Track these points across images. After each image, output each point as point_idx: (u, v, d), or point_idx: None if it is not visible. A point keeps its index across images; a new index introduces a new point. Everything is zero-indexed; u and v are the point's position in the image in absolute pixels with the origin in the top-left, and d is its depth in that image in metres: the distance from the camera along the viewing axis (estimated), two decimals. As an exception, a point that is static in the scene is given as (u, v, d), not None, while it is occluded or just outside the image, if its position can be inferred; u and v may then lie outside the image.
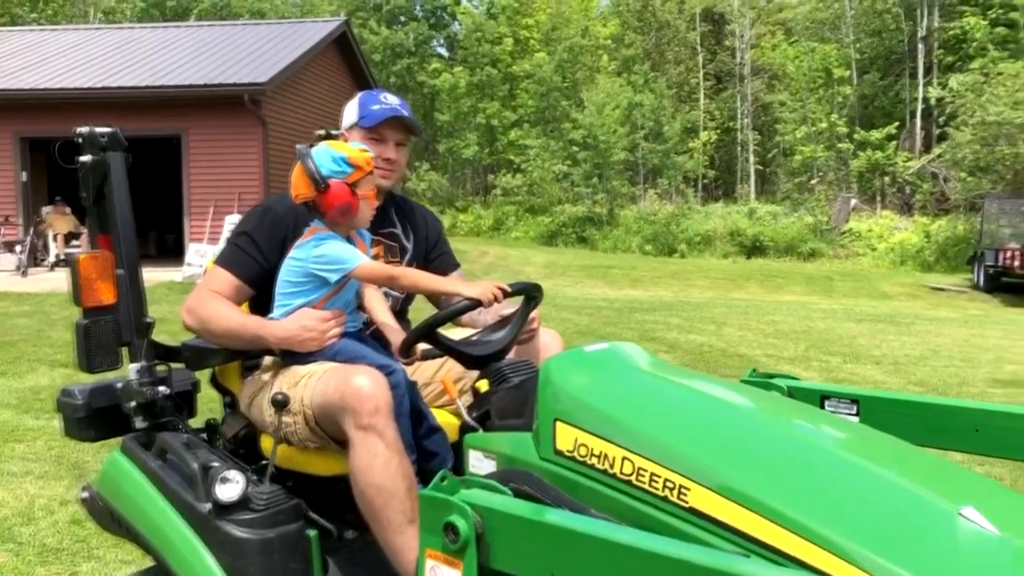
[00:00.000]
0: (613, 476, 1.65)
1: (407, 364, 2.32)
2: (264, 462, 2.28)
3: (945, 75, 28.58)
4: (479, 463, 1.93)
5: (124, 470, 2.41)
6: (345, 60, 21.40)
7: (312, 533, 2.16)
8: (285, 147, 16.97)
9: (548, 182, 28.67)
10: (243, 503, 2.10)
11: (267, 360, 2.44)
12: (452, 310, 2.20)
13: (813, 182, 28.05)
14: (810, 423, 1.83)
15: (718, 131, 34.38)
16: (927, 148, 28.88)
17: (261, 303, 2.43)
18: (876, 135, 28.08)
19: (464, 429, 2.09)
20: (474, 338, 2.33)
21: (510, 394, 2.07)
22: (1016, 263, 15.64)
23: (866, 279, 19.83)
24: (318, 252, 2.25)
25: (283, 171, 18.75)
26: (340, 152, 2.26)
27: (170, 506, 2.24)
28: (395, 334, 2.38)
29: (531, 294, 2.30)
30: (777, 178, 32.80)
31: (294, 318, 2.29)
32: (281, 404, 2.13)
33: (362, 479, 2.04)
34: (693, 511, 1.52)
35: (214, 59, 18.32)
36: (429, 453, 2.23)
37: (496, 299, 2.18)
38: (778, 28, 34.99)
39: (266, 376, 2.39)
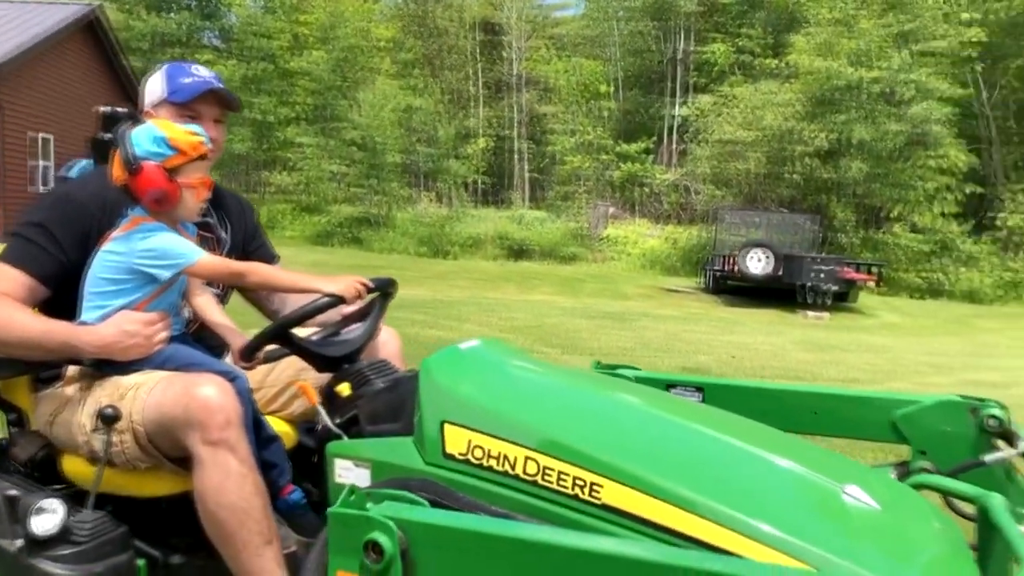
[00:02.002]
0: (516, 477, 1.58)
1: (247, 368, 2.12)
2: (66, 486, 2.07)
3: (697, 95, 31.17)
4: (348, 472, 1.79)
5: None
6: (96, 46, 20.32)
7: (140, 563, 1.98)
8: (23, 135, 15.93)
9: (323, 181, 28.48)
10: (63, 535, 1.85)
11: (71, 371, 2.13)
12: (312, 307, 2.02)
13: (579, 191, 29.67)
14: (692, 413, 1.89)
15: (494, 138, 35.53)
16: (679, 162, 31.42)
17: (56, 306, 2.11)
18: (635, 148, 30.17)
19: (324, 436, 1.93)
20: (314, 337, 2.16)
21: (382, 397, 1.94)
22: (735, 267, 17.42)
23: (612, 281, 21.27)
24: (147, 245, 2.00)
25: (20, 159, 17.57)
26: (162, 132, 2.01)
27: None
28: (235, 335, 2.17)
29: (388, 290, 2.22)
30: (549, 185, 34.38)
31: (113, 322, 2.01)
32: (111, 419, 1.90)
33: (213, 500, 1.86)
34: (607, 507, 1.49)
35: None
36: (268, 464, 2.05)
37: (360, 295, 2.06)
38: (551, 43, 36.66)
39: (71, 390, 2.11)
